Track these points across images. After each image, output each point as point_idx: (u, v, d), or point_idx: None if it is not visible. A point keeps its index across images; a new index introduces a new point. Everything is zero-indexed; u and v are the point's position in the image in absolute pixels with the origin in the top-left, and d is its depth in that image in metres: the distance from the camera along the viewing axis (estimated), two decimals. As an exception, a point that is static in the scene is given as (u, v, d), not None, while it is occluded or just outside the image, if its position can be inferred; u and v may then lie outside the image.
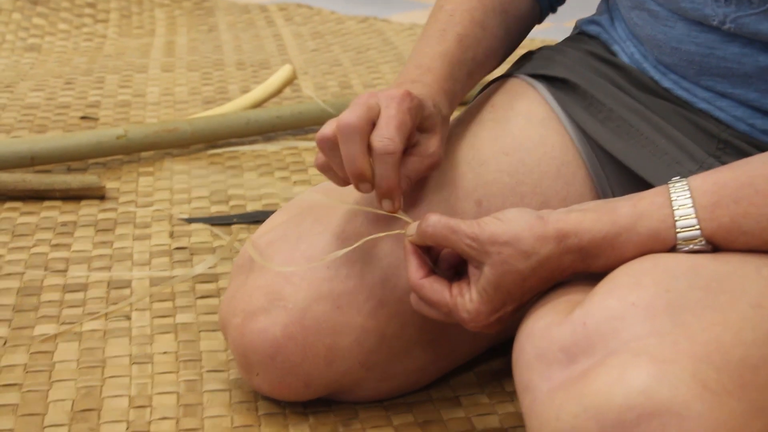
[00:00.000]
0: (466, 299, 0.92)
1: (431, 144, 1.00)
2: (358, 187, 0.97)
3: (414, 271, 0.95)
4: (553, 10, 1.18)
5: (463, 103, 1.88)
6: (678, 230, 0.87)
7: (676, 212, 0.87)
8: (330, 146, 0.96)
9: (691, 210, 0.87)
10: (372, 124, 0.96)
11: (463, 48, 1.07)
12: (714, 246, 0.87)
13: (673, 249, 0.87)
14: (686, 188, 0.88)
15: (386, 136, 0.95)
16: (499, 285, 0.90)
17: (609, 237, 0.88)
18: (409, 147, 0.99)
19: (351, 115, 0.94)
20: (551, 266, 0.89)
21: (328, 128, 0.96)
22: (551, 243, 0.88)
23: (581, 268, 0.90)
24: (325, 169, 0.98)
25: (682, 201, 0.87)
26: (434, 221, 0.93)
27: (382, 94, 0.97)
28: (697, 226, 0.87)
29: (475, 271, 0.92)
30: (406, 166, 0.99)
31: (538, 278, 0.90)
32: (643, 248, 0.88)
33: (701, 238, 0.87)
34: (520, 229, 0.89)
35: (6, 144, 1.65)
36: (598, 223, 0.88)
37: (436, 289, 0.94)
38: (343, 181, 0.98)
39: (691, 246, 0.87)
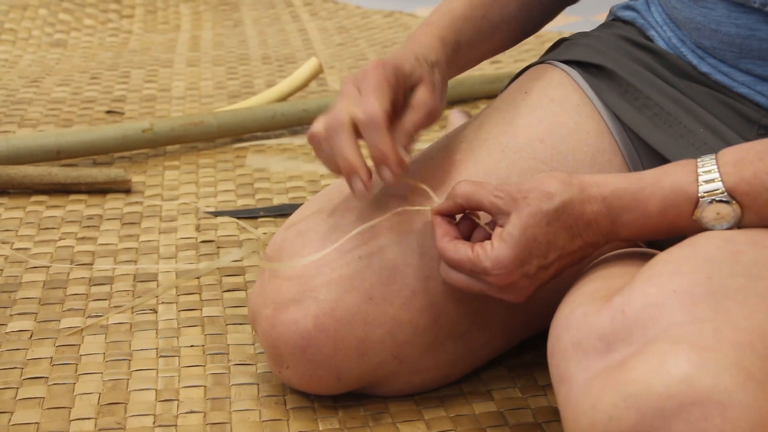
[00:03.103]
0: (488, 248, 0.92)
1: (420, 94, 0.99)
2: (352, 186, 0.96)
3: (439, 237, 0.95)
4: None
5: (494, 95, 1.86)
6: (700, 183, 0.88)
7: (700, 169, 0.88)
8: (317, 143, 0.97)
9: (714, 166, 0.88)
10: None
11: (472, 6, 1.08)
12: (739, 203, 0.87)
13: (696, 205, 0.88)
14: (713, 155, 0.89)
15: (365, 103, 0.94)
16: (525, 228, 0.90)
17: (632, 190, 0.90)
18: (399, 108, 0.98)
19: (335, 111, 0.96)
20: (575, 212, 0.90)
21: (316, 125, 0.97)
22: (575, 188, 0.90)
23: (606, 225, 0.90)
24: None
25: (707, 161, 0.89)
26: (463, 182, 0.95)
27: (358, 74, 0.97)
28: (719, 179, 0.87)
29: (499, 226, 0.92)
30: (403, 121, 0.98)
31: (563, 225, 0.90)
32: (667, 202, 0.88)
33: (723, 190, 0.87)
34: (545, 177, 0.92)
35: (32, 138, 1.65)
36: (620, 177, 0.91)
37: (459, 248, 0.94)
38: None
39: (713, 198, 0.87)
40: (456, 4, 1.08)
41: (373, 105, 0.94)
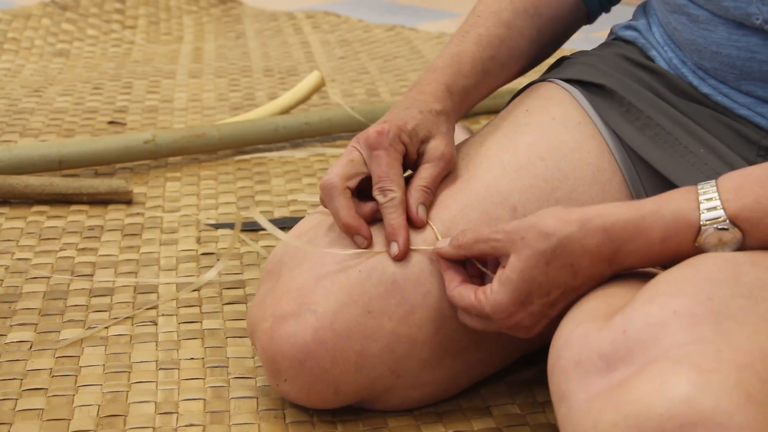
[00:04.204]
0: (488, 292, 0.93)
1: (436, 146, 1.03)
2: (354, 242, 1.01)
3: (447, 284, 0.98)
4: (606, 9, 1.17)
5: (494, 111, 1.86)
6: (702, 212, 0.87)
7: (701, 197, 0.88)
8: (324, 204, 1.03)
9: (715, 194, 0.88)
10: (353, 177, 1.01)
11: (481, 47, 1.09)
12: (740, 229, 0.87)
13: (698, 232, 0.87)
14: (713, 181, 0.89)
15: (382, 186, 1.00)
16: (523, 270, 0.91)
17: (634, 220, 0.89)
18: (414, 164, 1.04)
19: (329, 173, 1.01)
20: (574, 249, 0.90)
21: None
22: (574, 225, 0.90)
23: (609, 256, 0.90)
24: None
25: (708, 188, 0.89)
26: (464, 232, 0.96)
27: (363, 141, 1.02)
28: (720, 206, 0.87)
29: (501, 267, 0.93)
30: (420, 176, 1.02)
31: (563, 264, 0.90)
32: (669, 231, 0.88)
33: (725, 218, 0.87)
34: (543, 215, 0.91)
35: (34, 148, 1.65)
36: (622, 207, 0.90)
37: (463, 295, 0.96)
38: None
39: (715, 227, 0.87)
40: (464, 46, 1.09)
41: (390, 186, 1.00)
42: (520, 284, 0.91)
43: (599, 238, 0.90)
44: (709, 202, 0.88)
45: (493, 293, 0.93)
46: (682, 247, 0.88)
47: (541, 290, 0.91)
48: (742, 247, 0.87)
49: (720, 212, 0.87)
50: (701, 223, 0.87)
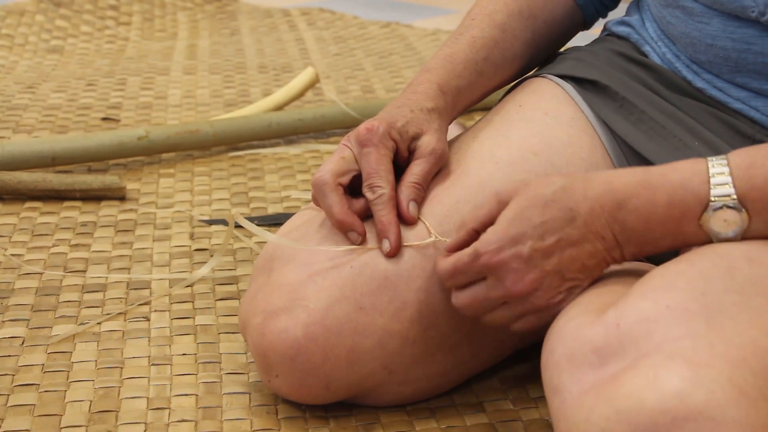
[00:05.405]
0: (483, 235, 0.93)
1: (427, 143, 1.03)
2: (348, 239, 1.01)
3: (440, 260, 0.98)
4: (603, 15, 1.18)
5: (488, 107, 1.86)
6: (712, 186, 0.86)
7: (711, 170, 0.87)
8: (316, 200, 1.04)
9: (726, 168, 0.86)
10: (345, 174, 1.01)
11: (474, 49, 1.09)
12: (747, 210, 0.85)
13: (705, 207, 0.86)
14: (724, 156, 0.87)
15: (371, 182, 1.00)
16: (521, 209, 0.90)
17: (639, 176, 0.88)
18: (401, 161, 1.04)
19: (321, 170, 1.01)
20: (576, 193, 0.89)
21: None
22: (578, 177, 0.90)
23: (610, 208, 0.88)
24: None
25: (717, 162, 0.87)
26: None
27: (354, 138, 1.02)
28: (731, 183, 0.86)
29: None
30: (411, 172, 1.03)
31: (562, 207, 0.89)
32: (675, 196, 0.87)
33: (734, 196, 0.85)
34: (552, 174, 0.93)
35: (27, 144, 1.64)
36: (628, 170, 0.90)
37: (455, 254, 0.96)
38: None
39: (724, 204, 0.85)
40: (457, 47, 1.10)
41: (379, 182, 1.01)
42: (514, 221, 0.90)
43: (602, 189, 0.89)
44: (720, 176, 0.86)
45: (487, 232, 0.92)
46: (685, 219, 0.87)
47: (535, 232, 0.90)
48: (746, 230, 0.86)
49: (730, 189, 0.86)
50: (710, 198, 0.86)
